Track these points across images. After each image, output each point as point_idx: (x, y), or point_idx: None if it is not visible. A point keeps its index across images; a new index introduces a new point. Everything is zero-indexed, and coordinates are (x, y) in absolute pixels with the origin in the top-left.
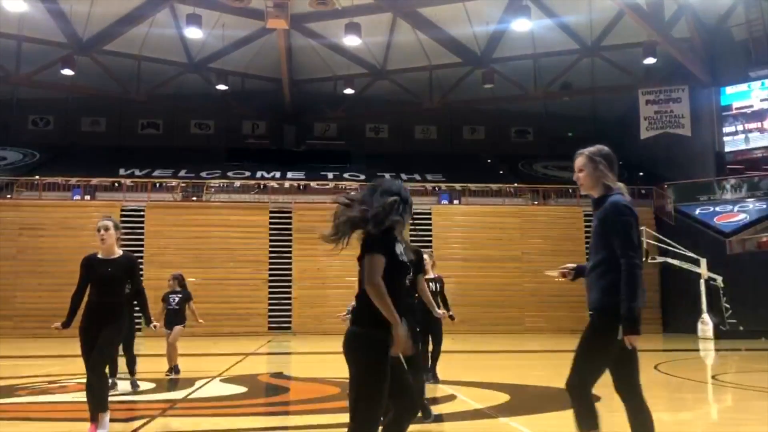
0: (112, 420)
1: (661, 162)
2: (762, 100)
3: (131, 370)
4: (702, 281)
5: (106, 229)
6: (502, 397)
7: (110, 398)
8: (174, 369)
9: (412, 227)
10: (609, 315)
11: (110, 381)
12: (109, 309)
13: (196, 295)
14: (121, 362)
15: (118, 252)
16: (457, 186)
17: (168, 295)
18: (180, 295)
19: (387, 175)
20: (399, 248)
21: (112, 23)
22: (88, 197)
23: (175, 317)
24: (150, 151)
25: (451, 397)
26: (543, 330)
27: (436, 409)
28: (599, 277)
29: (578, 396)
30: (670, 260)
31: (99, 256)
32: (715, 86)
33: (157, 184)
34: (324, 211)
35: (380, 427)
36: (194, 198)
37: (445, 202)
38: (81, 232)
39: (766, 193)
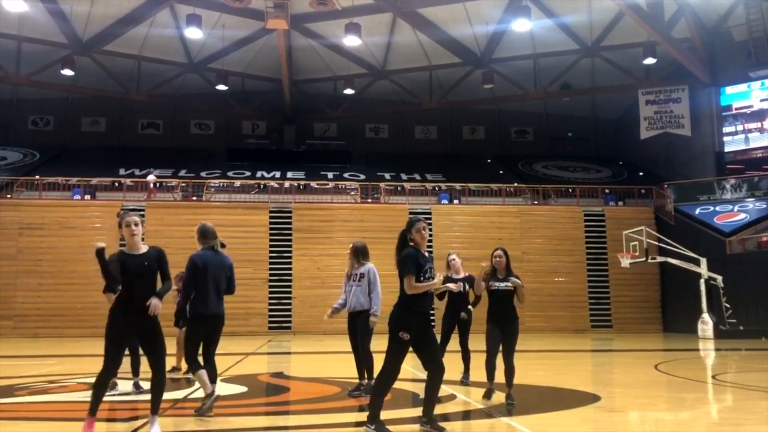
0: (113, 420)
1: (661, 162)
2: (762, 100)
3: (135, 371)
4: (702, 281)
5: (136, 224)
6: (503, 397)
7: (111, 398)
8: (175, 369)
9: None
10: None
11: (111, 381)
12: None
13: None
14: (125, 362)
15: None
16: (457, 186)
17: None
18: None
19: (387, 175)
20: None
21: (112, 23)
22: (88, 197)
23: None
24: (150, 151)
25: (452, 397)
26: (543, 330)
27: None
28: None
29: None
30: (670, 260)
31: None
32: (715, 86)
33: (158, 184)
34: (324, 210)
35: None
36: (194, 198)
37: (445, 202)
38: (81, 232)
39: (766, 192)
